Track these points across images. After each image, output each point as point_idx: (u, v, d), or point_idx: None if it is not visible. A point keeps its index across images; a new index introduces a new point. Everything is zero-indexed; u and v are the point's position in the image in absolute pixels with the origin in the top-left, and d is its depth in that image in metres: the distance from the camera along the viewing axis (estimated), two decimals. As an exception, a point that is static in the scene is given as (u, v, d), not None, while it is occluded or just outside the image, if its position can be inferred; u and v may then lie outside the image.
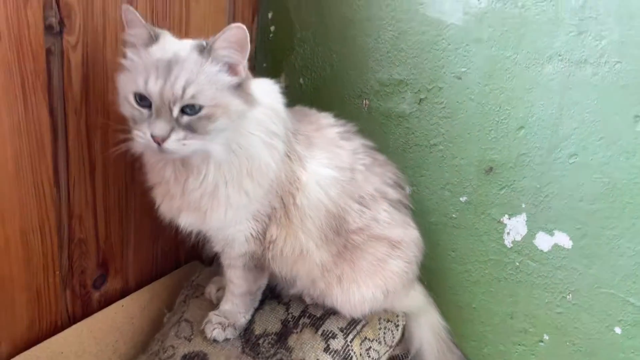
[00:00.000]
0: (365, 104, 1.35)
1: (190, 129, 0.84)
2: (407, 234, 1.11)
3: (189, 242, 1.09)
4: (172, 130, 0.83)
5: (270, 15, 1.45)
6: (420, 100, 1.27)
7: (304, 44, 1.42)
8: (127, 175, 1.19)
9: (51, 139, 1.02)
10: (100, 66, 1.06)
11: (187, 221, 0.99)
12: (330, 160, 1.04)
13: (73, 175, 1.08)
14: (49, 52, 0.97)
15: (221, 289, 1.19)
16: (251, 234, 1.02)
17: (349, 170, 1.05)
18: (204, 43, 0.86)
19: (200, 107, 0.84)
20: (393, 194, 1.13)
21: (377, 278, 1.07)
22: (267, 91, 0.99)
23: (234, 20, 1.37)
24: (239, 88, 0.87)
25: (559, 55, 1.09)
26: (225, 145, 0.90)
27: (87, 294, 1.19)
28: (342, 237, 1.05)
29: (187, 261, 1.43)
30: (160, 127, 0.82)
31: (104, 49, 1.06)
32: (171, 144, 0.83)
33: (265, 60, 1.49)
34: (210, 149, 0.88)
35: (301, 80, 1.44)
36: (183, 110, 0.84)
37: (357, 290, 1.07)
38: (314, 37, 1.40)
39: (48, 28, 0.96)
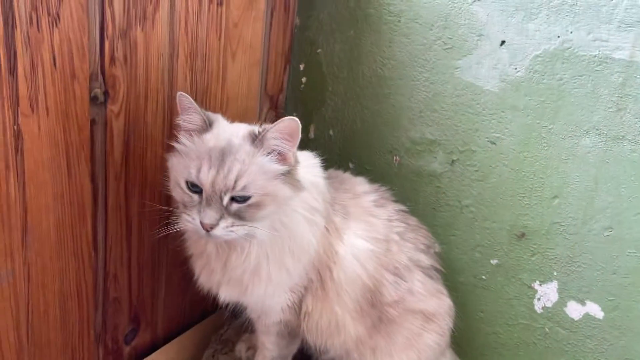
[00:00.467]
0: (396, 160, 1.35)
1: (238, 216, 0.85)
2: (441, 305, 1.12)
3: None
4: (221, 218, 0.84)
5: (302, 67, 1.46)
6: (453, 161, 1.27)
7: (335, 97, 1.42)
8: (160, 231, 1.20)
9: (92, 205, 1.03)
10: (140, 130, 1.08)
11: (227, 295, 1.00)
12: (366, 232, 1.04)
13: (110, 237, 1.09)
14: (92, 122, 0.98)
15: (251, 348, 1.20)
16: (287, 305, 1.03)
17: (384, 241, 1.06)
18: (257, 132, 0.87)
19: (250, 196, 0.85)
20: (426, 260, 1.13)
21: (411, 352, 1.08)
22: (308, 167, 1.00)
23: (268, 72, 1.38)
24: (288, 175, 0.88)
25: (597, 130, 1.09)
26: (269, 226, 0.91)
27: (119, 350, 1.20)
28: (377, 309, 1.05)
29: (215, 309, 1.44)
30: (210, 216, 0.83)
31: (145, 114, 1.07)
32: (219, 230, 0.84)
33: (295, 110, 1.50)
34: (255, 233, 0.89)
35: (331, 132, 1.45)
36: (233, 199, 0.85)
37: (392, 362, 1.08)
38: (345, 91, 1.40)
39: (93, 99, 0.97)
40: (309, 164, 1.01)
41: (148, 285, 1.22)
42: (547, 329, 1.22)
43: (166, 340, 1.31)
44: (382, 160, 1.37)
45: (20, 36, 0.82)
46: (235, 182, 0.83)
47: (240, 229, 0.85)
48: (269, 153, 0.87)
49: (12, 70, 0.83)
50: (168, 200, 1.19)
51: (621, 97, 1.06)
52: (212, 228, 0.84)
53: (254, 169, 0.85)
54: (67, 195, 0.98)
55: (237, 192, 0.84)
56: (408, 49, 1.28)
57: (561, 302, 1.20)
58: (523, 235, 1.22)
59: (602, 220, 1.12)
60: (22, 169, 0.89)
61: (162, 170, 1.14)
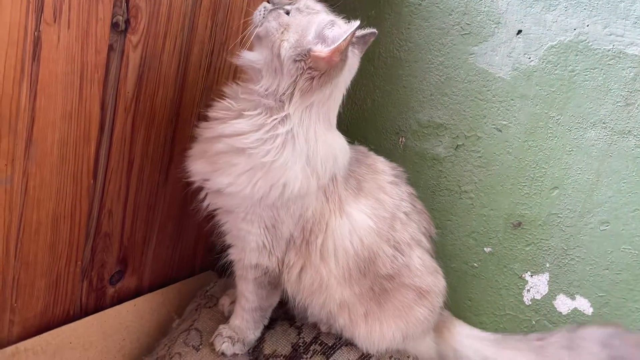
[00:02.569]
0: (401, 142, 1.36)
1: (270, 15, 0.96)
2: (437, 283, 1.11)
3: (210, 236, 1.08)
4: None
5: (320, 42, 1.48)
6: (457, 146, 1.28)
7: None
8: (161, 177, 1.21)
9: (97, 132, 1.04)
10: (155, 70, 1.09)
11: (197, 168, 1.00)
12: (373, 209, 1.05)
13: (111, 169, 1.09)
14: (110, 48, 0.99)
15: (234, 302, 1.19)
16: (264, 244, 1.02)
17: (389, 218, 1.06)
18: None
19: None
20: (426, 243, 1.13)
21: (400, 321, 1.07)
22: (337, 141, 1.02)
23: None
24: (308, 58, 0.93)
25: (603, 123, 1.10)
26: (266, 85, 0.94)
27: (103, 288, 1.19)
28: (368, 279, 1.05)
29: (203, 270, 1.44)
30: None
31: (161, 53, 1.09)
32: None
33: (308, 85, 1.52)
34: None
35: (340, 109, 1.46)
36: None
37: (379, 328, 1.07)
38: (359, 70, 1.41)
39: (114, 25, 0.98)
40: (339, 141, 1.03)
41: (141, 229, 1.22)
42: (533, 322, 1.21)
43: (151, 290, 1.30)
44: (388, 141, 1.38)
45: (53, -57, 0.84)
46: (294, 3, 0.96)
47: (258, 17, 0.96)
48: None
49: (41, -24, 0.85)
50: (173, 146, 1.20)
51: (631, 92, 1.07)
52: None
53: (306, 19, 0.94)
54: (75, 115, 0.99)
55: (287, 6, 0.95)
56: (426, 33, 1.30)
57: (551, 295, 1.19)
58: (519, 224, 1.22)
59: (600, 214, 1.12)
60: (36, 78, 0.90)
61: (170, 114, 1.16)
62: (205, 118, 1.02)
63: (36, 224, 1.01)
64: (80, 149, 1.02)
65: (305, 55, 0.91)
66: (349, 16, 1.41)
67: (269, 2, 0.98)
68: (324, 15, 0.96)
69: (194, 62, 1.16)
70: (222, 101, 1.00)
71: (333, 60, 0.91)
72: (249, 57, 0.98)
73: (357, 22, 0.90)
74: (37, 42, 0.88)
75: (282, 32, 0.93)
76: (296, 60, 0.92)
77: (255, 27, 0.96)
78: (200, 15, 1.13)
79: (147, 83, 1.09)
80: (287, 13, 0.96)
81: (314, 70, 0.92)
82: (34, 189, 0.98)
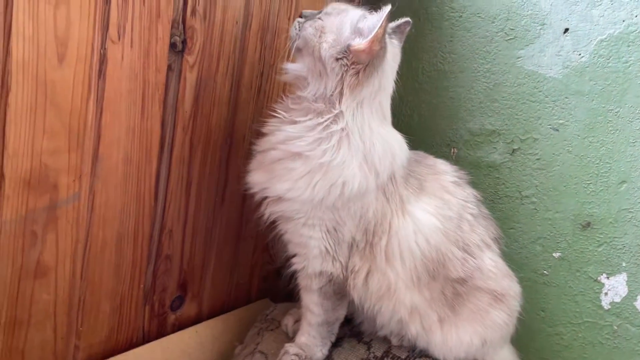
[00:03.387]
0: (454, 153, 1.35)
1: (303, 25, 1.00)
2: (512, 286, 1.06)
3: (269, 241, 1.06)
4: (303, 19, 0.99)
5: (362, 65, 1.50)
6: (513, 150, 1.25)
7: (392, 93, 1.45)
8: (217, 198, 1.21)
9: (158, 150, 1.05)
10: (210, 90, 1.11)
11: (256, 178, 1.00)
12: (437, 209, 1.02)
13: (171, 190, 1.10)
14: (169, 67, 1.03)
15: (298, 321, 1.15)
16: (326, 249, 1.00)
17: (456, 218, 1.03)
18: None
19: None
20: (496, 248, 1.09)
21: (477, 325, 1.02)
22: (394, 137, 1.01)
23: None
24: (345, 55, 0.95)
25: (666, 110, 1.07)
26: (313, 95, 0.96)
27: (164, 314, 1.17)
28: (439, 282, 1.01)
29: (258, 298, 1.40)
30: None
31: (216, 74, 1.12)
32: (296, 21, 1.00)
33: (353, 108, 1.53)
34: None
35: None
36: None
37: (456, 333, 1.02)
38: (403, 86, 1.42)
39: (172, 45, 1.02)
40: (397, 136, 1.02)
41: (199, 252, 1.21)
42: (615, 327, 1.13)
43: (210, 317, 1.27)
44: (439, 153, 1.36)
45: (118, -35, 0.89)
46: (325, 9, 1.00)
47: (294, 31, 0.99)
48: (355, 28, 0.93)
49: (107, -4, 0.89)
50: (228, 168, 1.21)
51: (692, 75, 1.04)
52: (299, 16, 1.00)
53: (338, 19, 0.95)
54: (138, 133, 1.01)
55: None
56: (469, 42, 1.31)
57: (631, 296, 1.12)
58: (588, 224, 1.17)
59: (675, 204, 1.07)
60: (102, 94, 0.93)
61: (225, 135, 1.18)
62: (260, 134, 1.03)
63: (102, 243, 1.01)
64: (142, 168, 1.03)
65: (345, 51, 0.93)
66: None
67: (301, 17, 1.01)
68: (354, 11, 0.98)
69: (245, 84, 1.19)
70: (274, 115, 1.01)
71: (373, 50, 0.92)
72: (293, 68, 1.01)
73: (388, 7, 0.91)
74: (103, 59, 0.91)
75: (320, 36, 0.96)
76: (338, 58, 0.93)
77: (294, 41, 0.99)
78: (250, 37, 1.17)
79: (203, 103, 1.11)
80: (320, 18, 0.98)
81: (357, 64, 0.93)
82: (100, 207, 0.98)
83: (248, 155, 1.07)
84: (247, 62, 1.18)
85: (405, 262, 0.99)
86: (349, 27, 0.94)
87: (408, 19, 1.06)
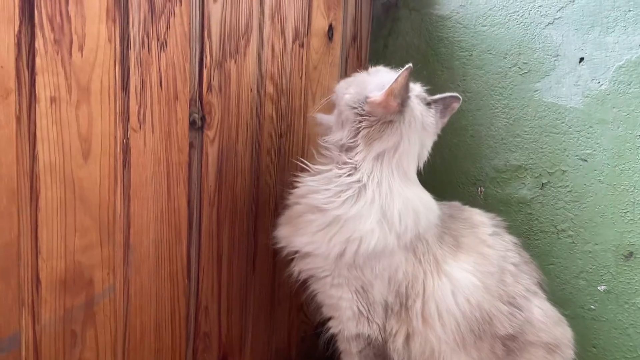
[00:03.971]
0: (480, 191, 1.32)
1: None
2: (565, 334, 1.03)
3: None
4: None
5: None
6: (543, 184, 1.23)
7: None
8: (249, 266, 1.19)
9: (187, 229, 1.04)
10: (232, 160, 1.11)
11: (281, 233, 1.01)
12: (476, 265, 0.99)
13: (203, 266, 1.09)
14: (191, 145, 1.02)
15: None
16: (359, 310, 0.98)
17: (497, 273, 1.00)
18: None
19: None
20: (542, 294, 1.06)
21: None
22: (421, 194, 1.01)
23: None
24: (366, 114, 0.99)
25: (697, 131, 1.05)
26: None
27: (208, 392, 1.14)
28: (486, 342, 0.98)
29: (300, 357, 1.37)
30: None
31: (236, 144, 1.11)
32: None
33: (372, 155, 1.52)
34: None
35: (409, 173, 1.45)
36: None
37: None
38: (422, 129, 1.42)
39: (192, 123, 1.02)
40: (422, 196, 1.01)
41: (236, 323, 1.19)
42: (675, 359, 1.09)
43: (253, 389, 1.24)
44: (466, 194, 1.35)
45: (133, 56, 0.90)
46: None
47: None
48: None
49: (125, 87, 0.89)
50: (256, 234, 1.19)
51: None
52: None
53: (367, 76, 1.02)
54: (165, 215, 1.00)
55: None
56: (483, 80, 1.30)
57: (687, 326, 1.08)
58: (631, 254, 1.13)
59: None
60: (128, 183, 0.92)
61: (250, 201, 1.17)
62: (289, 188, 1.03)
63: (140, 330, 0.99)
64: (173, 249, 1.02)
65: (362, 102, 0.95)
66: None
67: None
68: (388, 73, 1.01)
69: (265, 147, 1.18)
70: (302, 167, 1.02)
71: (389, 105, 0.94)
72: (321, 117, 1.07)
73: (409, 65, 0.92)
74: (126, 149, 0.91)
75: (346, 88, 1.00)
76: (354, 107, 0.96)
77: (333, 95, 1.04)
78: (266, 102, 1.17)
79: (227, 174, 1.10)
80: (353, 75, 1.03)
81: (372, 115, 0.95)
82: (135, 296, 0.97)
83: (274, 216, 1.07)
84: (265, 127, 1.18)
85: (445, 325, 0.96)
86: (374, 82, 0.96)
87: (456, 94, 1.08)
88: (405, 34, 1.43)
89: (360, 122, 0.96)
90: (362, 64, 1.47)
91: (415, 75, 1.40)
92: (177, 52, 0.96)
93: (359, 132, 0.96)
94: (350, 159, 0.96)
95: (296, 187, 1.00)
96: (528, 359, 0.98)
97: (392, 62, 1.46)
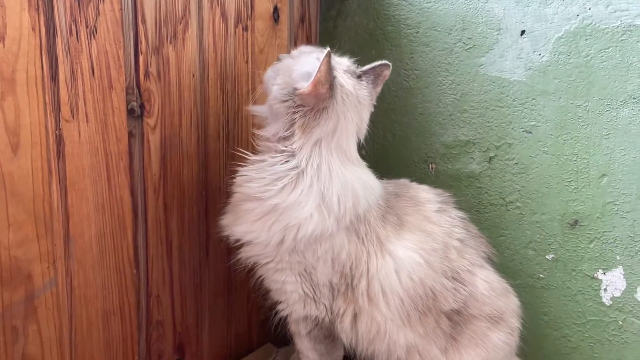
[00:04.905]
0: (432, 168, 1.33)
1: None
2: (508, 304, 1.05)
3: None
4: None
5: (329, 93, 1.50)
6: (490, 158, 1.24)
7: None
8: (202, 253, 1.19)
9: (132, 219, 1.04)
10: (176, 147, 1.10)
11: (225, 221, 1.01)
12: (419, 244, 1.00)
13: (151, 255, 1.08)
14: (130, 134, 1.01)
15: (301, 366, 1.13)
16: (305, 293, 0.98)
17: (441, 249, 1.01)
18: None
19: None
20: (489, 267, 1.08)
21: (479, 349, 1.00)
22: (360, 173, 1.00)
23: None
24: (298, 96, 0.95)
25: (634, 98, 1.06)
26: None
27: (165, 380, 1.15)
28: (431, 317, 0.99)
29: (260, 344, 1.38)
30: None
31: (179, 131, 1.10)
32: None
33: (326, 137, 1.52)
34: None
35: (363, 152, 1.44)
36: None
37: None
38: (374, 109, 1.42)
39: (130, 111, 1.00)
40: (362, 176, 1.00)
41: (192, 311, 1.19)
42: (620, 322, 1.12)
43: (213, 374, 1.25)
44: (418, 170, 1.36)
45: (61, 44, 0.88)
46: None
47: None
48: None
49: (54, 77, 0.88)
50: (207, 219, 1.19)
51: (653, 61, 1.04)
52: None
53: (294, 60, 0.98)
54: (107, 205, 0.99)
55: None
56: (430, 57, 1.30)
57: (630, 289, 1.10)
58: (576, 222, 1.15)
59: (659, 190, 1.06)
60: (64, 174, 0.91)
61: (200, 188, 1.16)
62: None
63: (87, 323, 0.98)
64: (118, 239, 1.01)
65: (292, 94, 0.93)
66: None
67: (278, 60, 1.02)
68: (310, 55, 0.98)
69: (212, 134, 1.17)
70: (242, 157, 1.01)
71: (319, 93, 0.92)
72: (255, 110, 1.05)
73: (327, 50, 0.91)
74: (59, 140, 0.90)
75: (275, 78, 0.98)
76: (284, 101, 0.94)
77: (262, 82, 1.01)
78: (210, 87, 1.16)
79: (171, 162, 1.09)
80: (279, 60, 1.00)
81: (304, 105, 0.93)
82: (79, 287, 0.96)
83: (226, 203, 1.06)
84: (210, 113, 1.17)
85: (390, 303, 0.97)
86: (298, 70, 0.93)
87: (385, 62, 1.06)
88: (353, 14, 1.43)
89: (294, 113, 0.94)
90: (312, 45, 1.46)
91: (364, 55, 1.41)
92: (108, 38, 0.95)
93: (294, 122, 0.94)
94: (287, 147, 0.94)
95: (236, 176, 1.00)
96: (473, 331, 1.00)
97: (342, 42, 1.46)
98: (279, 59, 1.04)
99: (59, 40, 0.87)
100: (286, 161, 0.94)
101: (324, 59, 0.88)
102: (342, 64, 1.01)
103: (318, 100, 0.92)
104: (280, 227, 0.93)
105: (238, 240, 0.99)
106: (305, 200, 0.92)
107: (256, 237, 0.95)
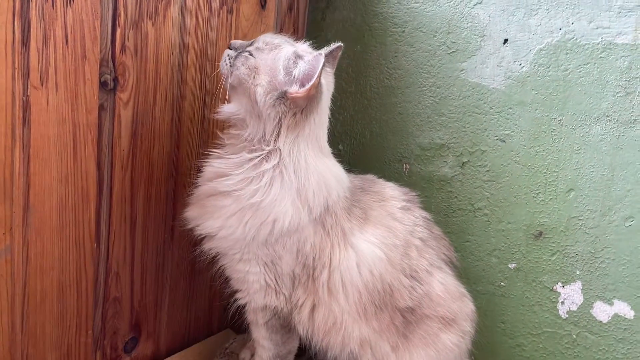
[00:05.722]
0: (406, 168, 1.34)
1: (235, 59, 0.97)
2: (463, 307, 1.05)
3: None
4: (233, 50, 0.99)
5: (311, 84, 1.49)
6: (463, 163, 1.25)
7: (343, 112, 1.44)
8: (166, 234, 1.18)
9: (96, 193, 1.02)
10: (148, 124, 1.09)
11: (190, 213, 0.99)
12: (382, 239, 1.00)
13: (114, 231, 1.07)
14: (101, 107, 1.00)
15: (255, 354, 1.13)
16: (267, 283, 0.98)
17: (402, 246, 1.02)
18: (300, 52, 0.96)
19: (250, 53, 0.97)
20: (447, 270, 1.08)
21: (429, 350, 1.01)
22: (330, 167, 0.99)
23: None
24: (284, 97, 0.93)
25: (607, 116, 1.07)
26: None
27: (117, 357, 1.14)
28: (386, 313, 1.00)
29: (220, 329, 1.38)
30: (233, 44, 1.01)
31: (153, 108, 1.09)
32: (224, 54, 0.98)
33: (305, 128, 1.51)
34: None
35: (340, 147, 1.45)
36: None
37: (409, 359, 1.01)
38: (353, 105, 1.42)
39: (103, 84, 0.99)
40: (333, 168, 1.00)
41: (151, 290, 1.18)
42: (574, 335, 1.13)
43: (169, 355, 1.24)
44: (392, 170, 1.36)
45: (35, 10, 0.86)
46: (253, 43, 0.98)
47: (225, 67, 0.97)
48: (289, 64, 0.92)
49: (25, 42, 0.86)
50: (175, 201, 1.18)
51: (629, 81, 1.05)
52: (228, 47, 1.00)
53: (271, 57, 0.93)
54: (71, 177, 0.98)
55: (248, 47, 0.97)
56: (413, 57, 1.30)
57: (587, 304, 1.12)
58: (540, 234, 1.16)
59: (622, 209, 1.07)
60: (28, 142, 0.90)
61: (169, 168, 1.15)
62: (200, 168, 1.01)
63: (41, 294, 0.97)
64: (80, 212, 1.00)
65: (282, 97, 0.91)
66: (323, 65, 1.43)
67: (230, 49, 0.99)
68: (286, 49, 0.95)
69: (187, 115, 1.16)
70: (211, 150, 0.99)
71: (311, 95, 0.92)
72: (229, 110, 0.98)
73: (323, 57, 0.89)
74: (26, 107, 0.88)
75: (254, 77, 0.93)
76: (275, 105, 0.92)
77: (227, 77, 0.97)
78: (188, 67, 1.14)
79: (142, 139, 1.08)
80: (251, 54, 0.96)
81: (294, 107, 0.92)
82: (36, 257, 0.95)
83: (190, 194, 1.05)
84: (187, 93, 1.16)
85: (348, 295, 0.98)
86: (283, 69, 0.92)
87: (340, 44, 1.06)
88: (342, 7, 1.42)
89: (284, 114, 0.92)
90: (299, 35, 1.45)
91: (349, 49, 1.40)
92: (85, 8, 0.93)
93: (281, 123, 0.93)
94: (269, 146, 0.93)
95: (204, 168, 0.98)
96: (425, 330, 1.01)
97: (329, 34, 1.45)
98: (232, 47, 0.99)
99: (32, 5, 0.86)
100: (266, 159, 0.93)
101: (321, 68, 0.87)
102: (306, 51, 0.98)
103: (310, 101, 0.92)
104: (256, 222, 0.92)
105: (203, 234, 0.98)
106: (281, 197, 0.92)
107: (231, 233, 0.94)
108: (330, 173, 0.99)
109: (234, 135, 0.97)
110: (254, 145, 0.94)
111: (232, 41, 1.00)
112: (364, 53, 1.39)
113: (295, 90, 0.90)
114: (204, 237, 1.00)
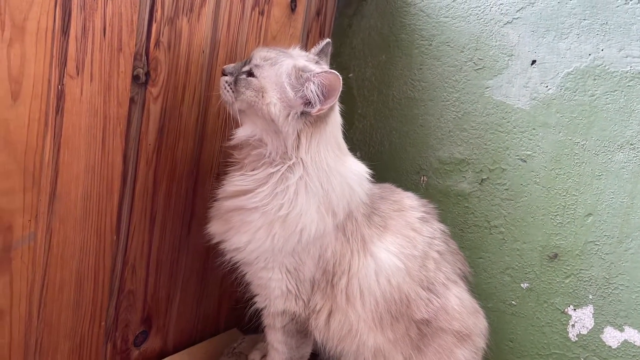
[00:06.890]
0: (423, 181, 1.34)
1: (236, 85, 0.96)
2: (477, 324, 1.06)
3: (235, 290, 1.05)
4: (230, 75, 0.97)
5: (333, 90, 1.50)
6: (482, 180, 1.25)
7: (363, 120, 1.44)
8: (183, 230, 1.18)
9: (120, 185, 1.02)
10: (175, 121, 1.09)
11: (214, 228, 1.00)
12: (400, 248, 1.01)
13: (134, 224, 1.07)
14: (132, 100, 1.00)
15: (265, 356, 1.13)
16: (288, 289, 0.99)
17: (420, 257, 1.02)
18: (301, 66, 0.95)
19: (254, 76, 0.96)
20: (462, 285, 1.09)
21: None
22: (353, 172, 1.00)
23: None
24: (301, 116, 0.94)
25: (631, 144, 1.08)
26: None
27: (127, 350, 1.14)
28: (402, 323, 1.00)
29: (227, 328, 1.38)
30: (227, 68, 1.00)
31: (181, 106, 1.09)
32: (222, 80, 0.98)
33: (323, 133, 1.52)
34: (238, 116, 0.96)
35: (358, 154, 1.45)
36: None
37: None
38: (374, 114, 1.42)
39: (135, 78, 0.99)
40: (354, 167, 1.01)
41: (164, 285, 1.18)
42: (582, 359, 1.14)
43: (176, 351, 1.24)
44: (409, 181, 1.36)
45: (76, 0, 0.86)
46: (247, 62, 0.96)
47: (228, 94, 0.96)
48: (298, 86, 0.91)
49: (65, 31, 0.86)
50: (194, 198, 1.18)
51: (655, 111, 1.06)
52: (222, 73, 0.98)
53: (272, 73, 0.92)
54: (98, 168, 0.98)
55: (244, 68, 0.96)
56: (439, 71, 1.31)
57: (597, 329, 1.12)
58: (556, 256, 1.17)
59: (639, 237, 1.08)
60: (59, 131, 0.90)
61: (191, 166, 1.15)
62: (221, 180, 1.02)
63: (60, 282, 0.97)
64: (103, 204, 1.00)
65: (299, 114, 0.92)
66: (360, 63, 1.44)
67: (224, 75, 0.98)
68: (285, 63, 0.94)
69: (212, 113, 1.17)
70: (231, 163, 1.00)
71: (330, 106, 0.93)
72: (244, 134, 0.98)
73: (339, 77, 0.90)
74: (60, 95, 0.88)
75: (262, 96, 0.93)
76: (291, 122, 0.92)
77: (232, 104, 0.96)
78: (218, 66, 1.15)
79: (168, 135, 1.08)
80: (250, 74, 0.95)
81: (312, 117, 0.93)
82: (58, 246, 0.95)
83: (215, 185, 1.05)
84: (214, 92, 1.16)
85: (365, 303, 0.98)
86: (289, 87, 0.92)
87: (328, 40, 1.08)
88: (369, 16, 1.43)
89: (304, 126, 0.92)
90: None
91: (374, 58, 1.41)
92: (125, 1, 0.93)
93: (301, 134, 0.93)
94: (290, 160, 0.93)
95: (226, 182, 0.98)
96: (439, 345, 1.01)
97: (355, 42, 1.46)
98: (227, 73, 0.98)
99: (75, -6, 0.86)
100: (290, 171, 0.93)
101: (339, 89, 0.89)
102: (308, 57, 1.00)
103: (328, 110, 0.93)
104: (285, 233, 0.93)
105: (231, 249, 0.99)
106: (307, 206, 0.93)
107: (259, 246, 0.94)
108: (352, 173, 0.99)
109: (254, 155, 0.96)
110: (275, 160, 0.94)
111: (224, 67, 0.99)
112: (388, 63, 1.39)
113: (317, 108, 0.90)
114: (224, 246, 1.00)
